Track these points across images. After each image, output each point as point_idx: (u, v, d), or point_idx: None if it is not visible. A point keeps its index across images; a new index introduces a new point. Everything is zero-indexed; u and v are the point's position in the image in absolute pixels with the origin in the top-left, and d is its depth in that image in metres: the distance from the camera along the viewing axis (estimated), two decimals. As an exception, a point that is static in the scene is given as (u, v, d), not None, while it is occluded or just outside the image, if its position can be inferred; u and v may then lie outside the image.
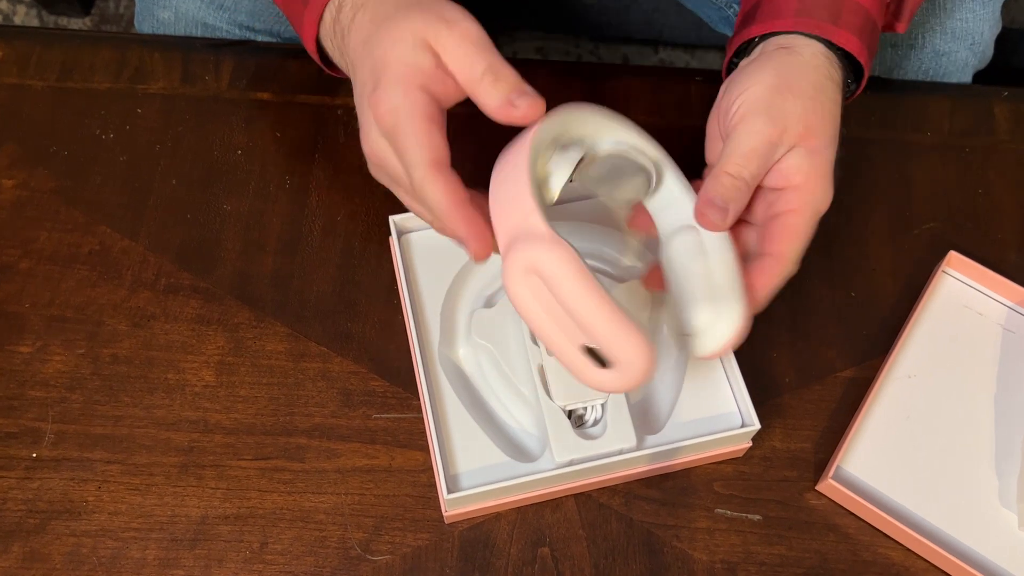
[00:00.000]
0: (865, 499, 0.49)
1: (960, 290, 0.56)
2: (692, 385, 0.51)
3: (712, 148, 0.50)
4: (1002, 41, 0.74)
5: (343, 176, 0.59)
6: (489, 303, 0.53)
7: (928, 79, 0.67)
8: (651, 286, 0.49)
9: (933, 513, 0.50)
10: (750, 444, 0.51)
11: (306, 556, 0.48)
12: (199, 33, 0.67)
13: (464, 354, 0.52)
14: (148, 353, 0.53)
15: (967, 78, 0.68)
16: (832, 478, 0.49)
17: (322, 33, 0.49)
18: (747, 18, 0.51)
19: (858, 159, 0.59)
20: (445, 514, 0.48)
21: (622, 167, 0.46)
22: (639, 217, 0.49)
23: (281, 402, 0.52)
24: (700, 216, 0.44)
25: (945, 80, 0.67)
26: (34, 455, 0.50)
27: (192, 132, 0.60)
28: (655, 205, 0.48)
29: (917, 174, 0.61)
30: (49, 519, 0.49)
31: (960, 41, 0.66)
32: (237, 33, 0.67)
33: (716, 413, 0.50)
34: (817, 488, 0.51)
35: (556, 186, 0.43)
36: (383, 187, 0.56)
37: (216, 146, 0.60)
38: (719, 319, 0.44)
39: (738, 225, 0.48)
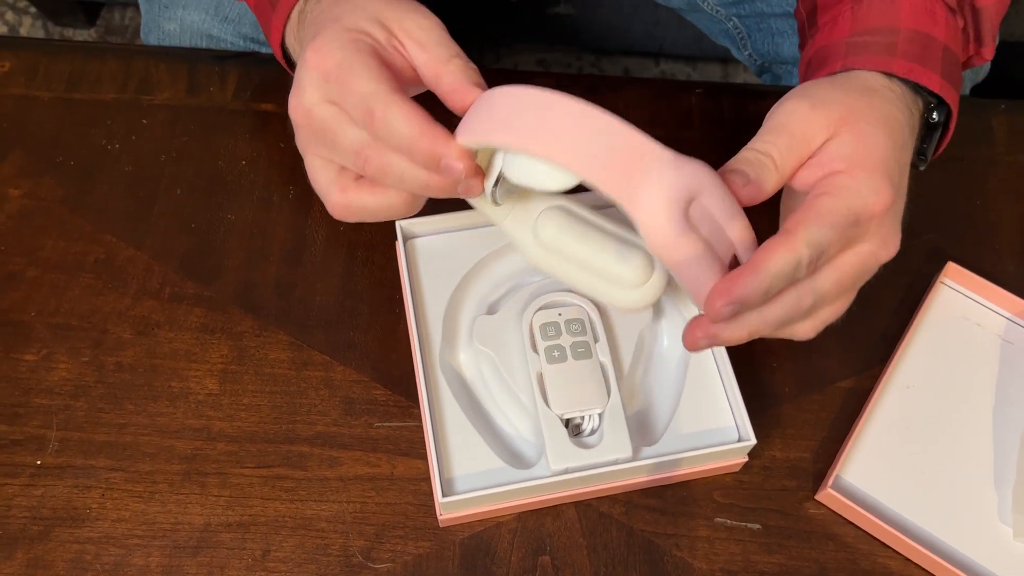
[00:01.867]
0: (864, 508, 0.49)
1: (959, 301, 0.57)
2: (690, 398, 0.51)
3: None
4: (1000, 54, 0.74)
5: None
6: (492, 310, 0.53)
7: None
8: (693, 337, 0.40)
9: (931, 523, 0.50)
10: (746, 459, 0.51)
11: (308, 563, 0.49)
12: (204, 45, 0.68)
13: (465, 360, 0.53)
14: (152, 361, 0.54)
15: (964, 91, 0.68)
16: (831, 487, 0.49)
17: (287, 33, 0.47)
18: (801, 76, 0.48)
19: None
20: (440, 518, 0.49)
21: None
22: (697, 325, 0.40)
23: (284, 410, 0.53)
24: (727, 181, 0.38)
25: None
26: (38, 462, 0.51)
27: (197, 142, 0.61)
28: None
29: (916, 185, 0.60)
30: (53, 526, 0.49)
31: (958, 54, 0.66)
32: (241, 45, 0.68)
33: (713, 426, 0.51)
34: (816, 498, 0.51)
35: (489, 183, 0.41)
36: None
37: (221, 156, 0.60)
38: (625, 259, 0.41)
39: None
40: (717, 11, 0.74)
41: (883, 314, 0.56)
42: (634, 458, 0.48)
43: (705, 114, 0.64)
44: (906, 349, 0.55)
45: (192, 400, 0.53)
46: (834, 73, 0.44)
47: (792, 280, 0.37)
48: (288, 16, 0.47)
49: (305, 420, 0.52)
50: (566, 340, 0.50)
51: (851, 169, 0.38)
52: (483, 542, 0.49)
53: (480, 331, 0.51)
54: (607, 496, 0.51)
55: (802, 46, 0.51)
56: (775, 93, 0.65)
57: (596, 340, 0.51)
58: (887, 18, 0.45)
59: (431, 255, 0.55)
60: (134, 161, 0.60)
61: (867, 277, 0.41)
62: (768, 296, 0.37)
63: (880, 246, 0.40)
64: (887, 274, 0.57)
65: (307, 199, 0.59)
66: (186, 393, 0.53)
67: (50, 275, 0.56)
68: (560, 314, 0.51)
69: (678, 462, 0.49)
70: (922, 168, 0.47)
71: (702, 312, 0.38)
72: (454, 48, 0.40)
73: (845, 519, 0.50)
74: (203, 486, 0.50)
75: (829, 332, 0.55)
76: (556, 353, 0.50)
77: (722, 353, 0.51)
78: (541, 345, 0.50)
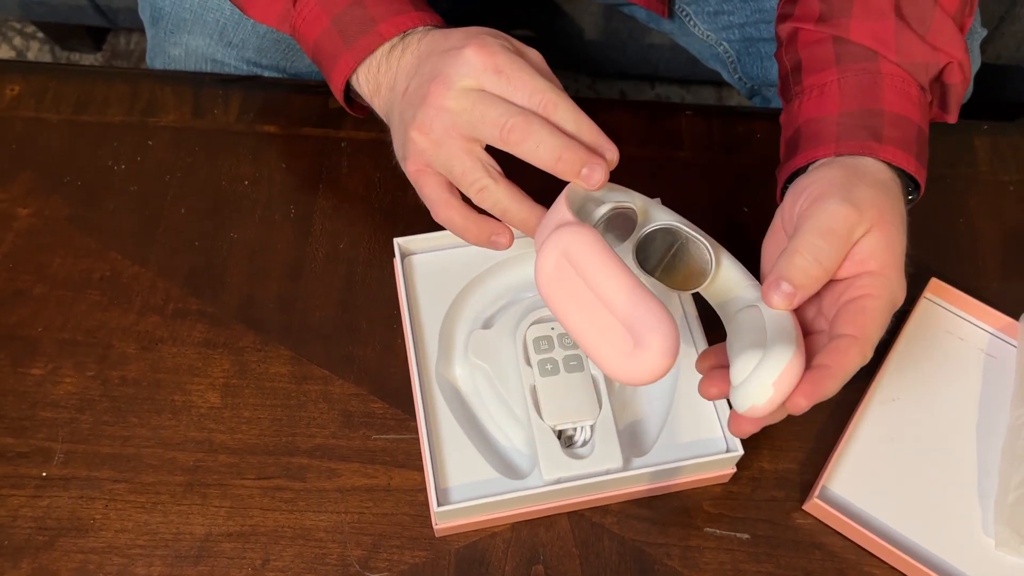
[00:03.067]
0: (850, 518, 0.50)
1: (942, 316, 0.58)
2: (679, 410, 0.52)
3: (774, 250, 0.47)
4: (984, 76, 0.76)
5: (346, 205, 0.61)
6: (486, 324, 0.55)
7: None
8: (707, 392, 0.45)
9: (916, 532, 0.51)
10: (735, 469, 0.52)
11: (306, 573, 0.50)
12: (209, 69, 0.70)
13: (460, 373, 0.54)
14: (156, 375, 0.55)
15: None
16: (818, 498, 0.50)
17: (361, 71, 0.50)
18: (790, 148, 0.50)
19: None
20: (436, 527, 0.50)
21: (679, 248, 0.46)
22: (712, 383, 0.45)
23: (284, 423, 0.54)
24: (767, 294, 0.42)
25: None
26: (44, 474, 0.52)
27: (201, 163, 0.62)
28: (715, 292, 0.47)
29: None
30: (57, 536, 0.50)
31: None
32: (245, 69, 0.69)
33: (702, 437, 0.52)
34: (804, 508, 0.52)
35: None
36: (383, 215, 0.58)
37: (224, 176, 0.62)
38: (762, 365, 0.40)
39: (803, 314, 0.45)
40: (707, 36, 0.76)
41: None
42: (625, 468, 0.49)
43: (695, 135, 0.65)
44: (891, 363, 0.56)
45: (194, 413, 0.54)
46: (833, 155, 0.47)
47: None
48: (370, 53, 0.49)
49: (305, 433, 0.53)
50: (559, 353, 0.52)
51: (884, 270, 0.43)
52: (477, 551, 0.50)
53: (475, 345, 0.53)
54: (599, 506, 0.52)
55: (783, 91, 0.53)
56: (764, 115, 0.67)
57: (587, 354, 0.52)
58: (870, 98, 0.48)
59: (428, 272, 0.56)
60: (140, 181, 0.62)
61: None
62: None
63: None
64: None
65: (307, 217, 0.61)
66: (188, 406, 0.54)
67: (57, 292, 0.58)
68: (553, 328, 0.53)
69: (668, 472, 0.50)
70: None
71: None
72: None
73: (832, 529, 0.51)
74: (204, 497, 0.51)
75: None
76: (549, 366, 0.51)
77: None
78: (534, 358, 0.52)
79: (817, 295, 0.44)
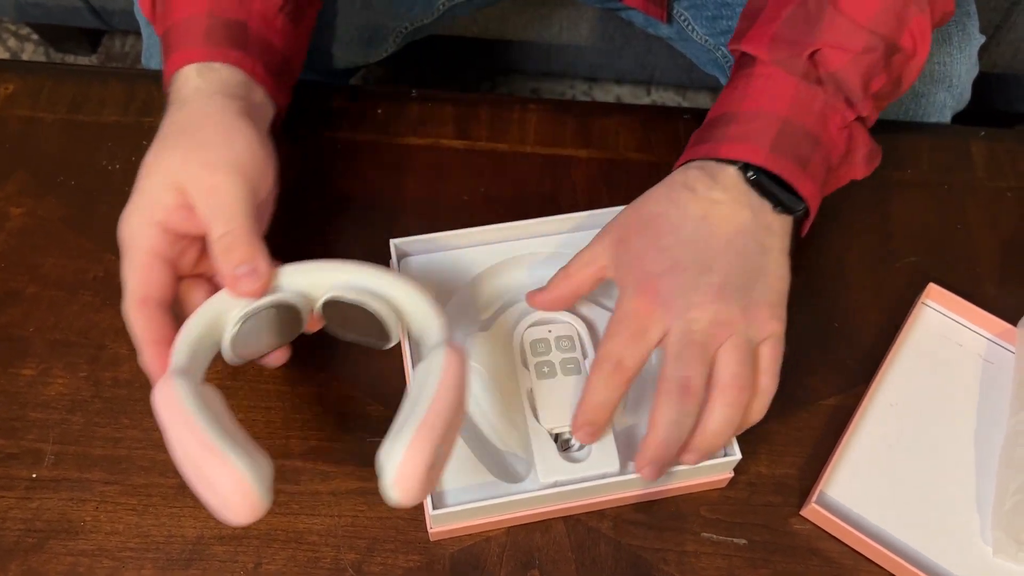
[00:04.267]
0: (848, 524, 0.50)
1: (940, 322, 0.58)
2: None
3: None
4: (981, 84, 0.76)
5: (341, 203, 0.61)
6: (483, 327, 0.54)
7: (908, 119, 0.68)
8: None
9: (914, 538, 0.51)
10: (732, 474, 0.52)
11: (299, 576, 0.49)
12: (205, 69, 0.69)
13: None
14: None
15: (946, 119, 0.70)
16: (816, 503, 0.50)
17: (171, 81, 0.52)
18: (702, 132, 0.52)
19: (840, 195, 0.60)
20: (431, 531, 0.49)
21: (361, 311, 0.46)
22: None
23: (278, 425, 0.53)
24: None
25: (924, 120, 0.69)
26: (34, 475, 0.51)
27: None
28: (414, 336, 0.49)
29: (898, 210, 0.63)
30: (47, 538, 0.50)
31: (938, 84, 0.68)
32: (241, 70, 0.69)
33: None
34: (801, 513, 0.52)
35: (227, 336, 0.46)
36: (384, 214, 0.57)
37: None
38: (388, 457, 0.40)
39: None
40: (706, 40, 0.76)
41: (867, 333, 0.58)
42: (622, 472, 0.49)
43: (693, 139, 0.65)
44: (889, 368, 0.55)
45: (187, 415, 0.53)
46: (685, 160, 0.51)
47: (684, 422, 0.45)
48: (172, 76, 0.50)
49: (299, 435, 0.53)
50: (556, 356, 0.51)
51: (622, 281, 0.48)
52: (472, 556, 0.50)
53: (472, 348, 0.52)
54: (595, 511, 0.51)
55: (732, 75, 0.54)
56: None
57: (585, 356, 0.52)
58: (731, 103, 0.50)
59: (424, 273, 0.56)
60: (134, 182, 0.61)
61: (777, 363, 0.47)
62: (670, 449, 0.45)
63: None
64: (871, 295, 0.59)
65: (303, 212, 0.60)
66: (182, 408, 0.53)
67: (49, 292, 0.57)
68: (550, 331, 0.52)
69: (665, 476, 0.49)
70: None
71: None
72: (227, 223, 0.44)
73: (829, 534, 0.51)
74: (196, 499, 0.50)
75: (815, 351, 0.57)
76: (546, 369, 0.51)
77: None
78: (531, 361, 0.51)
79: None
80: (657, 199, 0.49)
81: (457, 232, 0.55)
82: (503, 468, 0.51)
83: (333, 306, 0.47)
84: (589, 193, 0.62)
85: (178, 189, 0.45)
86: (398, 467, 0.39)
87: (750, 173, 0.48)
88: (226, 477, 0.39)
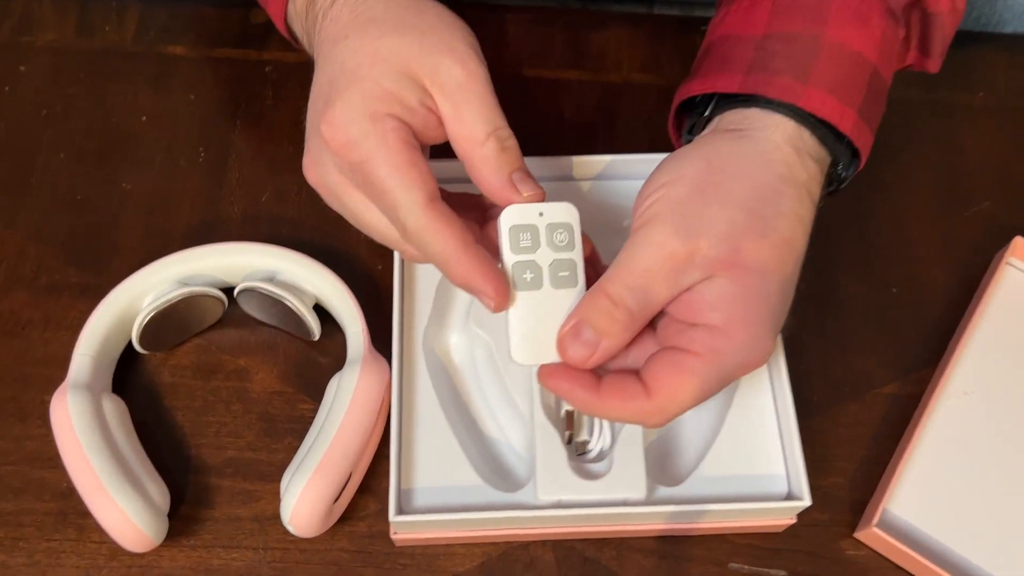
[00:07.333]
0: (915, 550, 0.42)
1: (1026, 285, 0.50)
2: (732, 434, 0.42)
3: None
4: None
5: (270, 147, 0.53)
6: None
7: (980, 28, 0.60)
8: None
9: (997, 566, 0.42)
10: (795, 520, 0.42)
11: (212, 631, 0.40)
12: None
13: (456, 343, 0.45)
14: (22, 369, 0.46)
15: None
16: (876, 524, 0.42)
17: (291, 12, 0.42)
18: (695, 68, 0.41)
19: (897, 126, 0.51)
20: (394, 537, 0.41)
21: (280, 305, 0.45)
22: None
23: (185, 431, 0.45)
24: (560, 345, 0.34)
25: (1000, 30, 0.60)
26: None
27: (87, 94, 0.54)
28: None
29: (968, 143, 0.55)
30: None
31: (1017, -18, 0.59)
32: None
33: (756, 473, 0.41)
34: (856, 535, 0.44)
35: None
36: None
37: (116, 112, 0.54)
38: (288, 490, 0.39)
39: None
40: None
41: (934, 303, 0.49)
42: (648, 501, 0.39)
43: (712, 57, 0.55)
44: (964, 346, 0.48)
45: (70, 419, 0.44)
46: (737, 89, 0.38)
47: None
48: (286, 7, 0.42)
49: (212, 444, 0.45)
50: (545, 255, 0.38)
51: (729, 328, 0.33)
52: (434, 591, 0.41)
53: (479, 311, 0.41)
54: (598, 538, 0.42)
55: (719, 7, 0.43)
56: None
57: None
58: (810, 19, 0.38)
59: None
60: (8, 117, 0.53)
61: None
62: None
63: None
64: (937, 253, 0.50)
65: (221, 163, 0.51)
66: (63, 410, 0.45)
67: None
68: (541, 214, 0.39)
69: (702, 514, 0.39)
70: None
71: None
72: (488, 121, 0.35)
73: (892, 562, 0.43)
74: (81, 531, 0.42)
75: (868, 325, 0.48)
76: (529, 274, 0.37)
77: (783, 385, 0.42)
78: (509, 259, 0.39)
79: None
80: (761, 188, 0.36)
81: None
82: (497, 469, 0.42)
83: (250, 295, 0.45)
84: (580, 128, 0.53)
85: (416, 82, 0.36)
86: (294, 506, 0.39)
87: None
88: (110, 515, 0.39)
